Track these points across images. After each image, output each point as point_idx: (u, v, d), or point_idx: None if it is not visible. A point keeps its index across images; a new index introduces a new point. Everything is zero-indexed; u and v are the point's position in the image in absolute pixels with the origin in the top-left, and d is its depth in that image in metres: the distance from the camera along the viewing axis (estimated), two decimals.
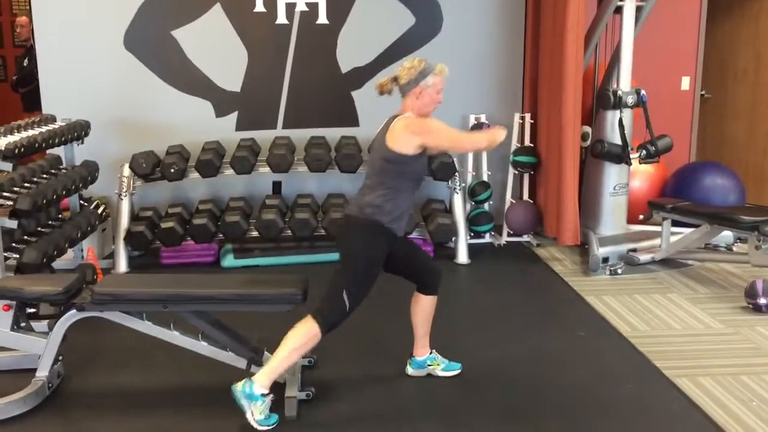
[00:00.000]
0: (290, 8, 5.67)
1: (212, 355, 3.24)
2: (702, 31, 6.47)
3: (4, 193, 3.88)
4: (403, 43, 5.81)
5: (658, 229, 5.18)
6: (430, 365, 3.45)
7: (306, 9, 5.68)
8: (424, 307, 3.36)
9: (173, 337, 3.21)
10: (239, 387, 2.99)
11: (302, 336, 3.03)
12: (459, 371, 3.47)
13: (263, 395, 2.98)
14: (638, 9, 5.18)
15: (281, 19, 5.68)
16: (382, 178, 3.11)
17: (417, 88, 3.11)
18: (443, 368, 3.45)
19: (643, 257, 5.14)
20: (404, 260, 3.30)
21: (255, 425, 2.96)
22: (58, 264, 4.35)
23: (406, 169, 3.09)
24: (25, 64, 6.64)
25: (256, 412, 2.97)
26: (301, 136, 5.65)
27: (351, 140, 5.53)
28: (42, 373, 3.20)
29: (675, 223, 5.07)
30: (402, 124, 3.08)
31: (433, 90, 3.11)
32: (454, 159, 5.41)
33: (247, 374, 3.09)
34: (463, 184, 5.59)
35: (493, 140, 3.10)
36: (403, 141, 3.05)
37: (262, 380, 2.99)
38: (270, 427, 2.99)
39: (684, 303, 4.45)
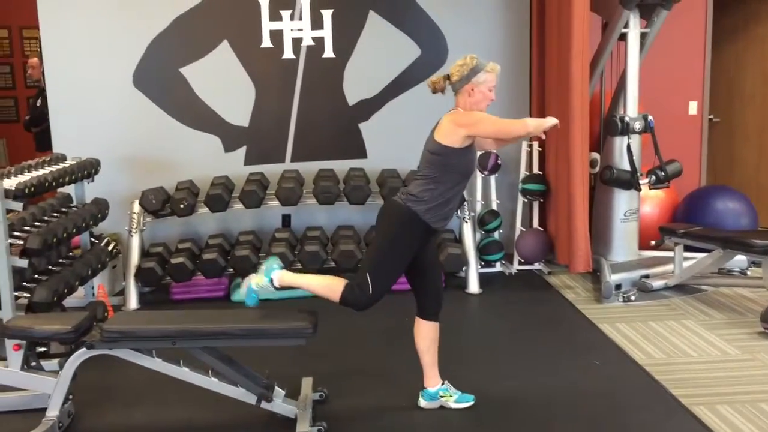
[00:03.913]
0: (297, 43, 5.73)
1: (222, 391, 3.21)
2: (708, 55, 6.48)
3: (15, 233, 3.89)
4: (409, 75, 5.86)
5: (670, 254, 5.14)
6: (442, 396, 3.40)
7: (312, 43, 5.74)
8: (426, 333, 3.34)
9: (183, 373, 3.19)
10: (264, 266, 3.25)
11: (328, 284, 3.20)
12: (472, 403, 3.42)
13: (272, 282, 3.21)
14: (643, 35, 5.20)
15: (288, 54, 5.74)
16: (426, 170, 3.19)
17: (468, 85, 3.15)
18: (456, 400, 3.41)
19: (656, 283, 5.09)
20: (424, 273, 3.32)
21: (248, 283, 3.23)
22: (69, 302, 4.35)
23: (450, 161, 3.14)
24: (37, 104, 6.73)
25: (255, 280, 3.22)
26: (309, 168, 5.67)
27: (359, 172, 5.54)
28: (52, 413, 3.17)
29: (688, 249, 5.03)
30: (449, 119, 3.16)
31: (484, 87, 3.15)
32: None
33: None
34: (473, 214, 5.58)
35: (541, 125, 3.12)
36: (450, 133, 3.11)
37: (282, 276, 3.23)
38: (252, 304, 3.23)
39: (699, 329, 4.39)
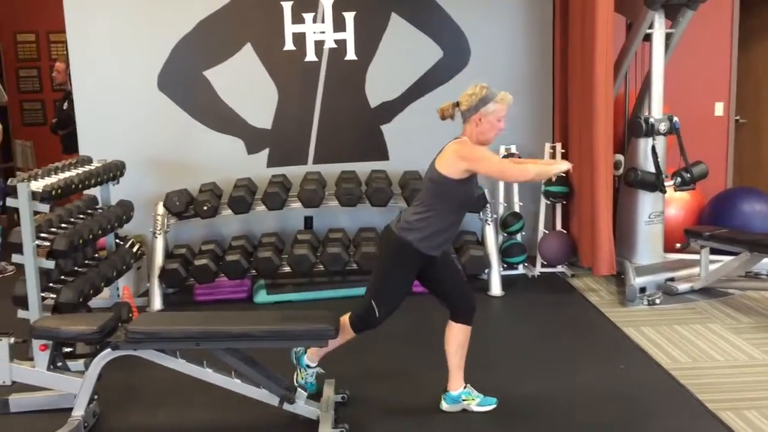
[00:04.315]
0: (319, 46, 5.75)
1: (245, 392, 3.23)
2: (734, 56, 6.40)
3: (42, 234, 3.94)
4: (431, 77, 5.85)
5: (696, 257, 5.08)
6: (464, 400, 3.39)
7: (335, 46, 5.76)
8: (455, 336, 3.33)
9: (206, 374, 3.21)
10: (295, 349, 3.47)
11: (340, 332, 3.27)
12: (494, 406, 3.41)
13: (308, 366, 3.44)
14: (668, 36, 5.15)
15: (310, 56, 5.76)
16: (424, 197, 3.21)
17: (477, 115, 3.13)
18: (478, 403, 3.39)
19: (682, 286, 5.03)
20: (439, 281, 3.35)
21: (295, 384, 3.41)
22: (94, 302, 4.41)
23: (447, 190, 3.14)
24: (64, 108, 6.81)
25: (298, 378, 3.45)
26: (331, 171, 5.68)
27: (381, 174, 5.55)
28: (78, 413, 3.22)
29: (714, 251, 4.97)
30: (453, 148, 3.15)
31: (493, 117, 3.14)
32: (485, 190, 5.38)
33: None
34: (495, 216, 5.55)
35: (545, 173, 3.24)
36: (450, 164, 3.11)
37: (310, 354, 3.43)
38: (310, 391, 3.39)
39: (726, 333, 4.33)
